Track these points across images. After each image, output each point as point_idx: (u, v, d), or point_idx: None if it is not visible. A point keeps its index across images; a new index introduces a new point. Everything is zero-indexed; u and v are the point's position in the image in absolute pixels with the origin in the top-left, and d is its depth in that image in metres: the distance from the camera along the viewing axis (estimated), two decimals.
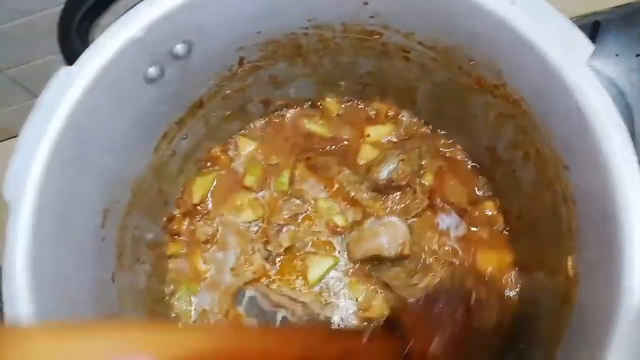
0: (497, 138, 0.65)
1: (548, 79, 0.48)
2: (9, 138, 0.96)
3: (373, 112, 0.79)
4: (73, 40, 0.56)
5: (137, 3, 0.54)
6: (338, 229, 0.74)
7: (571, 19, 0.47)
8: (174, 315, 0.74)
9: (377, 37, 0.63)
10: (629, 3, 0.83)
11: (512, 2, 0.48)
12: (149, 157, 0.67)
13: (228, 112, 0.75)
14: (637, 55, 0.81)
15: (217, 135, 0.78)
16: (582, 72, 0.46)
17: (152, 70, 0.57)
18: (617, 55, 0.81)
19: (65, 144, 0.52)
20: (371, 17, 0.59)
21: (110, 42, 0.52)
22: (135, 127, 0.61)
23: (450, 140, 0.76)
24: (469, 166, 0.75)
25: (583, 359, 0.48)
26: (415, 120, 0.78)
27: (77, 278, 0.55)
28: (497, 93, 0.59)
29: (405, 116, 0.78)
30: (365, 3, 0.57)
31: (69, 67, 0.52)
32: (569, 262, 0.53)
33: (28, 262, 0.48)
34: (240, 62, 0.66)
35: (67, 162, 0.53)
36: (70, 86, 0.52)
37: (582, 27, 0.46)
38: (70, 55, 0.56)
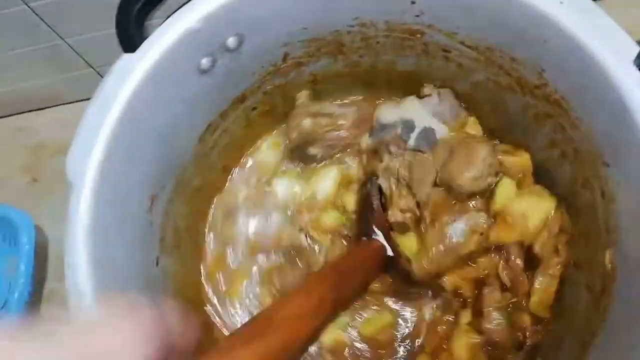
0: (533, 138, 0.66)
1: (594, 78, 0.50)
2: (61, 104, 0.99)
3: None
4: (131, 28, 0.58)
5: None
6: None
7: (638, 41, 0.48)
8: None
9: (419, 36, 0.65)
10: None
11: (561, 1, 0.50)
12: (192, 148, 0.69)
13: (267, 108, 0.77)
14: None
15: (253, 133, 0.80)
16: (628, 71, 0.48)
17: (205, 62, 0.60)
18: None
19: (123, 129, 0.54)
20: (416, 16, 0.61)
21: (169, 31, 0.55)
22: (184, 116, 0.63)
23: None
24: None
25: (618, 356, 0.49)
26: None
27: (128, 257, 0.57)
28: (537, 93, 0.60)
29: None
30: (413, 2, 0.59)
31: (130, 55, 0.54)
32: (607, 257, 0.54)
33: (88, 237, 0.51)
34: (285, 58, 0.68)
35: (122, 148, 0.55)
36: (131, 74, 0.54)
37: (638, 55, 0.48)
38: (127, 43, 0.58)
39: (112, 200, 0.55)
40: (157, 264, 0.64)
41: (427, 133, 0.70)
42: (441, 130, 0.70)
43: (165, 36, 0.55)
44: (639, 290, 0.48)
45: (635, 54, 0.48)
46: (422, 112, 0.70)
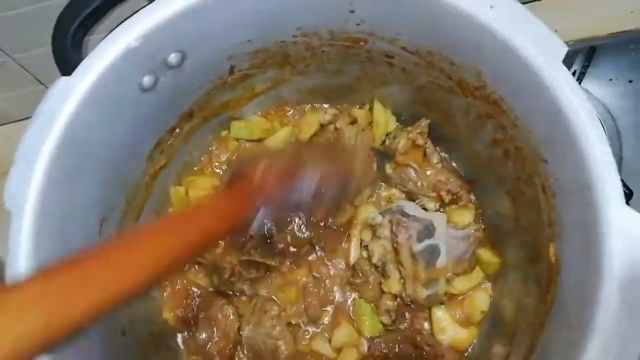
0: (477, 138, 0.68)
1: (527, 79, 0.52)
2: (10, 122, 0.96)
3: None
4: (67, 49, 0.57)
5: (130, 16, 0.55)
6: None
7: (568, 42, 0.50)
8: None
9: (362, 43, 0.65)
10: (624, 31, 0.87)
11: (492, 6, 0.51)
12: (142, 166, 0.68)
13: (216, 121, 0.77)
14: (630, 82, 0.85)
15: (205, 143, 0.79)
16: (558, 71, 0.50)
17: (147, 80, 0.59)
18: (610, 80, 0.86)
19: (64, 153, 0.53)
20: (357, 24, 0.62)
21: (107, 51, 0.54)
22: (130, 135, 0.62)
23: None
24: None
25: (565, 343, 0.51)
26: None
27: None
28: (477, 94, 0.62)
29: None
30: (352, 11, 0.60)
31: (67, 78, 0.53)
32: (551, 250, 0.56)
33: (31, 267, 0.49)
34: (231, 71, 0.68)
35: (65, 172, 0.54)
36: (68, 96, 0.53)
37: (578, 52, 0.50)
38: (64, 64, 0.57)
39: (57, 227, 0.54)
40: None
41: (434, 251, 0.70)
42: (442, 260, 0.70)
43: (103, 56, 0.54)
44: (582, 284, 0.49)
45: (563, 54, 0.50)
46: (444, 232, 0.71)
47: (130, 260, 0.43)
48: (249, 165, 0.59)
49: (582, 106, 0.49)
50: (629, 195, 0.54)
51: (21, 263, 0.49)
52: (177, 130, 0.70)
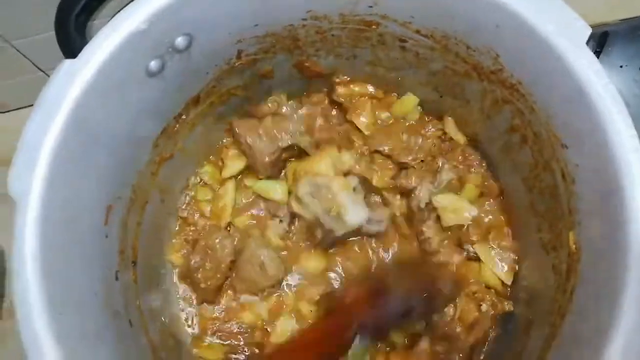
0: (493, 123, 0.67)
1: (548, 62, 0.50)
2: (9, 111, 0.94)
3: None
4: (71, 33, 0.55)
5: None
6: None
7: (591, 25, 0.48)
8: None
9: (374, 27, 0.64)
10: (636, 16, 0.85)
11: None
12: (148, 153, 0.66)
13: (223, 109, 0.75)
14: None
15: (212, 134, 0.78)
16: (581, 53, 0.48)
17: (154, 64, 0.57)
18: (621, 66, 0.84)
19: (69, 140, 0.51)
20: (370, 6, 0.60)
21: (113, 34, 0.52)
22: (136, 122, 0.60)
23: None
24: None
25: (588, 333, 0.50)
26: None
27: (84, 274, 0.54)
28: (494, 78, 0.60)
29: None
30: None
31: (71, 61, 0.51)
32: (571, 238, 0.55)
33: (37, 258, 0.48)
34: (239, 55, 0.66)
35: (70, 160, 0.52)
36: (73, 80, 0.51)
37: (589, 38, 0.48)
38: (68, 48, 0.55)
39: (62, 215, 0.52)
40: (117, 278, 0.61)
41: None
42: None
43: (108, 39, 0.52)
44: (604, 272, 0.48)
45: (587, 36, 0.49)
46: None
47: None
48: (339, 295, 0.62)
49: (607, 89, 0.47)
50: None
51: (26, 251, 0.48)
52: (184, 117, 0.68)
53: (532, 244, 0.65)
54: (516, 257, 0.69)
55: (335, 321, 0.60)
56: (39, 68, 0.84)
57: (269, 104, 0.77)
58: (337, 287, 0.74)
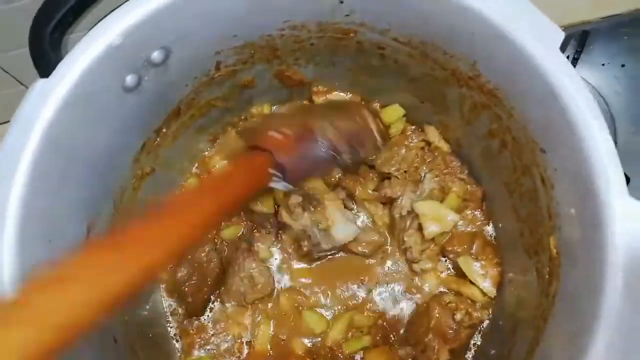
0: (473, 129, 0.67)
1: (523, 67, 0.50)
2: None
3: None
4: (46, 50, 0.54)
5: (110, 12, 0.53)
6: None
7: (560, 27, 0.48)
8: None
9: (352, 35, 0.64)
10: (616, 14, 0.86)
11: None
12: (128, 169, 0.66)
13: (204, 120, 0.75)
14: (623, 66, 0.84)
15: (194, 146, 0.77)
16: (555, 58, 0.48)
17: (130, 79, 0.56)
18: (603, 64, 0.84)
19: (45, 160, 0.51)
20: (347, 15, 0.60)
21: (87, 50, 0.51)
22: (115, 138, 0.60)
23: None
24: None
25: (570, 337, 0.50)
26: None
27: None
28: (472, 84, 0.60)
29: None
30: (341, 2, 0.58)
31: (45, 80, 0.51)
32: (552, 242, 0.55)
33: (15, 278, 0.47)
34: (217, 67, 0.66)
35: (47, 179, 0.52)
36: (47, 100, 0.50)
37: (570, 37, 0.48)
38: (43, 65, 0.55)
39: (41, 234, 0.51)
40: None
41: None
42: None
43: (83, 56, 0.51)
44: (583, 275, 0.48)
45: (560, 41, 0.49)
46: None
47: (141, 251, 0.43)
48: (259, 132, 0.57)
49: (580, 93, 0.47)
50: (625, 181, 0.53)
51: (5, 272, 0.47)
52: (164, 130, 0.68)
53: (515, 249, 0.65)
54: (500, 269, 0.69)
55: (250, 160, 0.57)
56: (20, 83, 0.84)
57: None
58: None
